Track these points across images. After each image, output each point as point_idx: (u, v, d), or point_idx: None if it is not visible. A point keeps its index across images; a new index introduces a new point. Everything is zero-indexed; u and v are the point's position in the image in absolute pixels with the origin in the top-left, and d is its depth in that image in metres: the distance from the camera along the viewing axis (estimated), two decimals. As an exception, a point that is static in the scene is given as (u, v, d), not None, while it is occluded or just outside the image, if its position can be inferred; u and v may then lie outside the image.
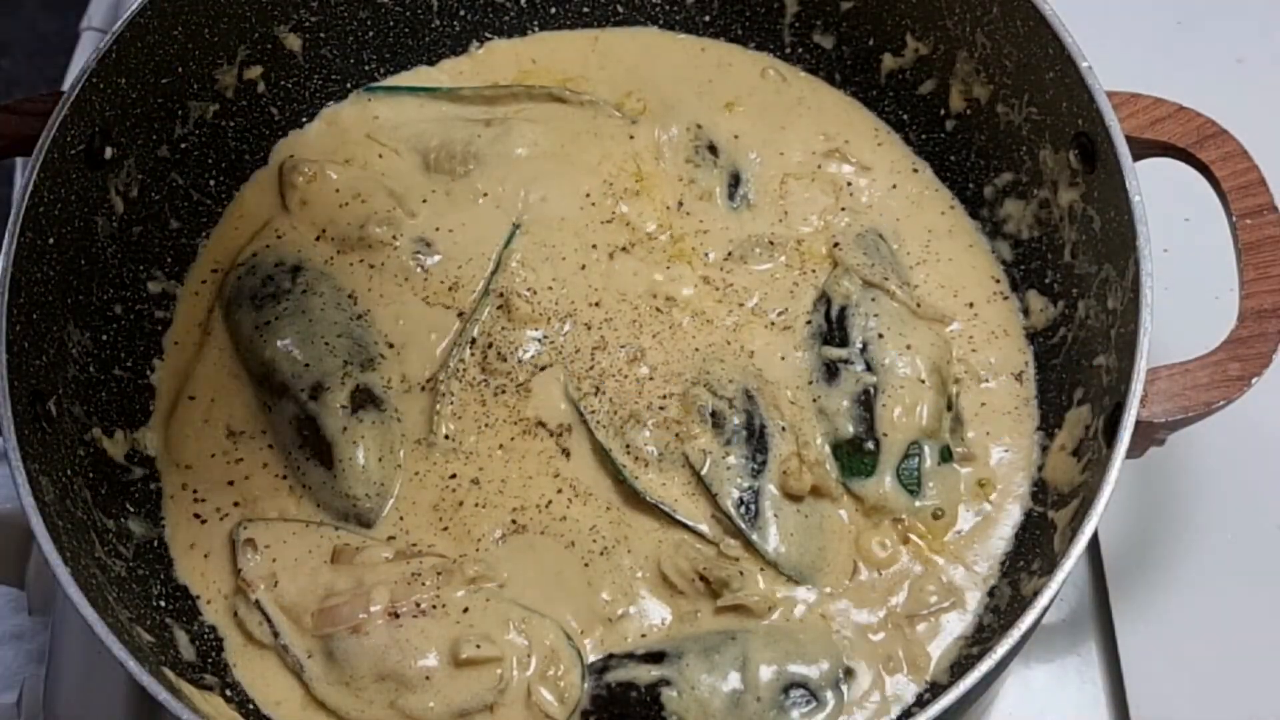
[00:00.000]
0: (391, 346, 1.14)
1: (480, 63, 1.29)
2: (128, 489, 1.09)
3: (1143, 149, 1.01)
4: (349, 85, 1.26)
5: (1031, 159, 1.13)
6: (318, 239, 1.18)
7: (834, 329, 1.12)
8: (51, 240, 1.04)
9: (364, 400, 1.10)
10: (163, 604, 1.05)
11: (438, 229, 1.18)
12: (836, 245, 1.17)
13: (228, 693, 1.02)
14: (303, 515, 1.09)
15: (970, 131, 1.18)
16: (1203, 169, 1.01)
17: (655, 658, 1.02)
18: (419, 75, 1.28)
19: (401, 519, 1.09)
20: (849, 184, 1.21)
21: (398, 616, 1.02)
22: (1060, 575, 0.91)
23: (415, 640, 1.01)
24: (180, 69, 1.14)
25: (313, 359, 1.11)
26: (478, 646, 1.00)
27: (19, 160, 1.11)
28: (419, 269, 1.17)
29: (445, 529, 1.08)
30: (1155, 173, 1.01)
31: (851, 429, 1.08)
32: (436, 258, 1.17)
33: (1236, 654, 1.13)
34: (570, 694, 1.01)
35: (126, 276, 1.14)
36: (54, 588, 1.24)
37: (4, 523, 1.25)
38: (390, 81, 1.27)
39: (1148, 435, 0.96)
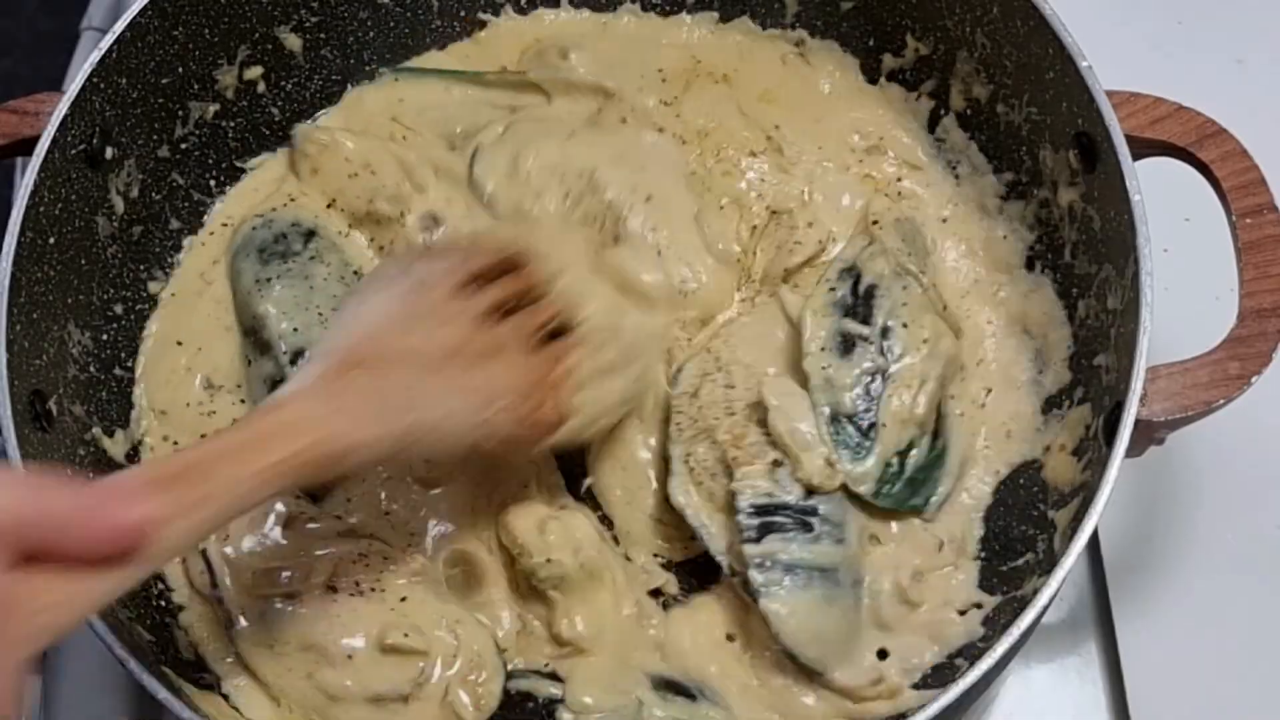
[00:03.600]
0: None
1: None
2: (128, 489, 1.09)
3: (1143, 149, 1.01)
4: (349, 85, 1.26)
5: (1031, 159, 1.13)
6: (328, 208, 1.18)
7: (858, 303, 1.09)
8: (51, 240, 1.04)
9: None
10: (163, 604, 1.05)
11: (449, 200, 1.17)
12: (875, 223, 1.14)
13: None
14: None
15: (970, 131, 1.18)
16: (1203, 169, 1.01)
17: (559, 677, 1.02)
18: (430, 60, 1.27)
19: (349, 501, 1.07)
20: (899, 179, 1.19)
21: (335, 591, 1.01)
22: (1060, 575, 0.91)
23: (346, 618, 1.01)
24: (180, 69, 1.14)
25: (303, 325, 1.10)
26: (405, 635, 0.99)
27: (19, 160, 1.11)
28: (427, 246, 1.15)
29: (386, 514, 1.07)
30: (1155, 173, 1.01)
31: (853, 407, 1.05)
32: (446, 230, 1.15)
33: (1236, 654, 1.13)
34: (486, 702, 1.01)
35: (126, 276, 1.14)
36: (54, 588, 1.24)
37: (4, 523, 1.24)
38: (416, 63, 1.26)
39: (1148, 434, 0.96)
